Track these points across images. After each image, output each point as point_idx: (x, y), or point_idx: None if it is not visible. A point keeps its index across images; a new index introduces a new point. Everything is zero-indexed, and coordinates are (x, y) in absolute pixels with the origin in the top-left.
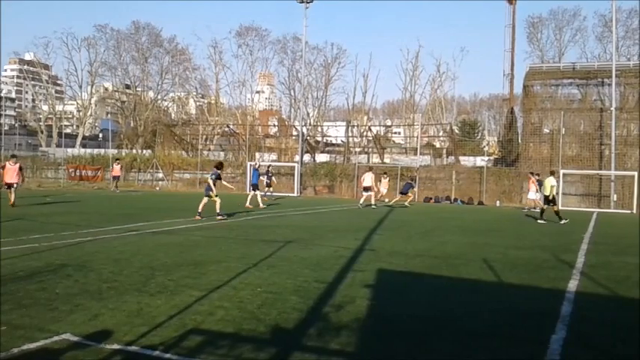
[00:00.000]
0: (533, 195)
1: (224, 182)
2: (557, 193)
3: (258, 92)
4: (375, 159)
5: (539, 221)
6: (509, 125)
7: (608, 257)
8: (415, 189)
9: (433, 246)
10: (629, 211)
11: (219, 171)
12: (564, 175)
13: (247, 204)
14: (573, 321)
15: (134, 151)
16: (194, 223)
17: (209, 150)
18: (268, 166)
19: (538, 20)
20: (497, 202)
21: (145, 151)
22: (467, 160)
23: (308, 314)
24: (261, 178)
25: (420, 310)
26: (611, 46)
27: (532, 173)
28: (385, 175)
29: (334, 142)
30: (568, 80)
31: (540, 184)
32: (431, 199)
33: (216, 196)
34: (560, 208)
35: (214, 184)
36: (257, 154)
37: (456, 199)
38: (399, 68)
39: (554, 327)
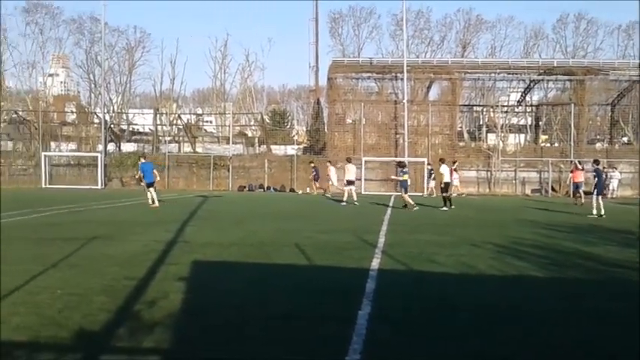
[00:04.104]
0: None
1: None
2: (359, 179)
3: (51, 75)
4: (187, 148)
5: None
6: (316, 115)
7: (403, 236)
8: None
9: (247, 234)
10: (420, 194)
11: (405, 168)
12: (366, 162)
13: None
14: (376, 296)
15: None
16: None
17: None
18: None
19: (339, 16)
20: (308, 189)
21: None
22: (278, 149)
23: (117, 314)
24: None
25: (235, 300)
26: (403, 44)
27: (330, 162)
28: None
29: (142, 130)
30: (367, 74)
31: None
32: (245, 187)
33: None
34: (362, 192)
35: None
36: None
37: (269, 187)
38: (207, 56)
39: (360, 303)
